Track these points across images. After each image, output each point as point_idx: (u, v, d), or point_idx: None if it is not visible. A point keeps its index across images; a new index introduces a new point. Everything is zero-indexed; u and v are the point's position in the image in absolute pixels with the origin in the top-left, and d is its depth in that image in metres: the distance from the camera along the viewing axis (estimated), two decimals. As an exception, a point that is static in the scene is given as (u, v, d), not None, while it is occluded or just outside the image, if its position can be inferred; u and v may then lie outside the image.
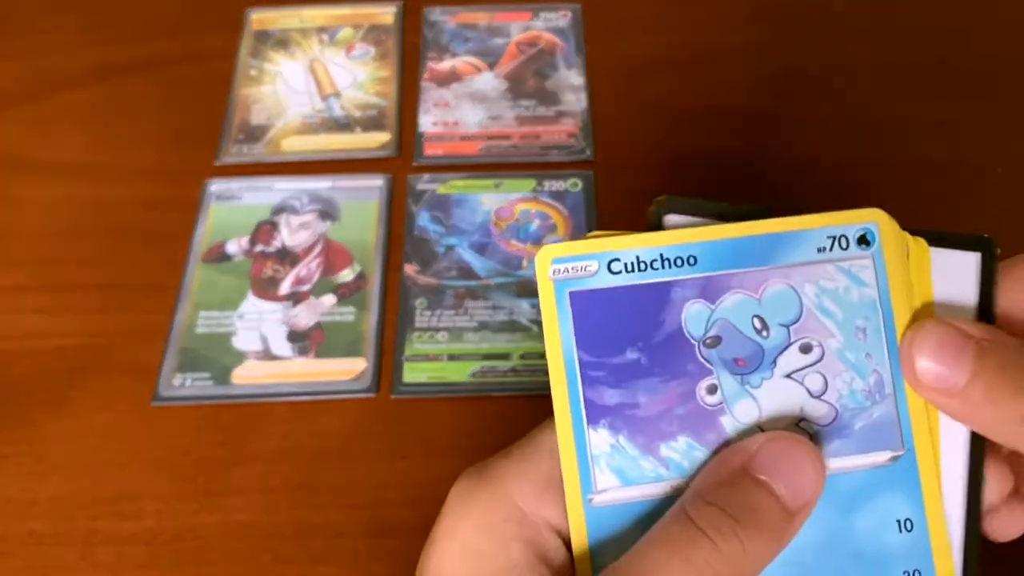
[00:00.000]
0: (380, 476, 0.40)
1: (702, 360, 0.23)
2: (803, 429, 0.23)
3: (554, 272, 0.23)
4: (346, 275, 0.46)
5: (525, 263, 0.46)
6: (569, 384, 0.23)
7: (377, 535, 0.38)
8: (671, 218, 0.24)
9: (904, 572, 0.23)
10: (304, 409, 0.42)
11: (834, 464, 0.23)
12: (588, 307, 0.23)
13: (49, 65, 0.55)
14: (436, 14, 0.57)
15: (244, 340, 0.44)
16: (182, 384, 0.42)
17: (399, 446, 0.41)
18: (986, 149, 0.50)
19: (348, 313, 0.45)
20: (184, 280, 0.46)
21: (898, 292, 0.23)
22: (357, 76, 0.55)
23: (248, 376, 0.43)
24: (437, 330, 0.44)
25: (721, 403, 0.23)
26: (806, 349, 0.23)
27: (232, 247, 0.47)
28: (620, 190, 0.49)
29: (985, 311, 0.23)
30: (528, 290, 0.45)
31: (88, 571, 0.38)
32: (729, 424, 0.23)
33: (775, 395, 0.23)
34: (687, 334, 0.23)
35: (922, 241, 0.24)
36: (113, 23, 0.57)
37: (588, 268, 0.23)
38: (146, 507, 0.39)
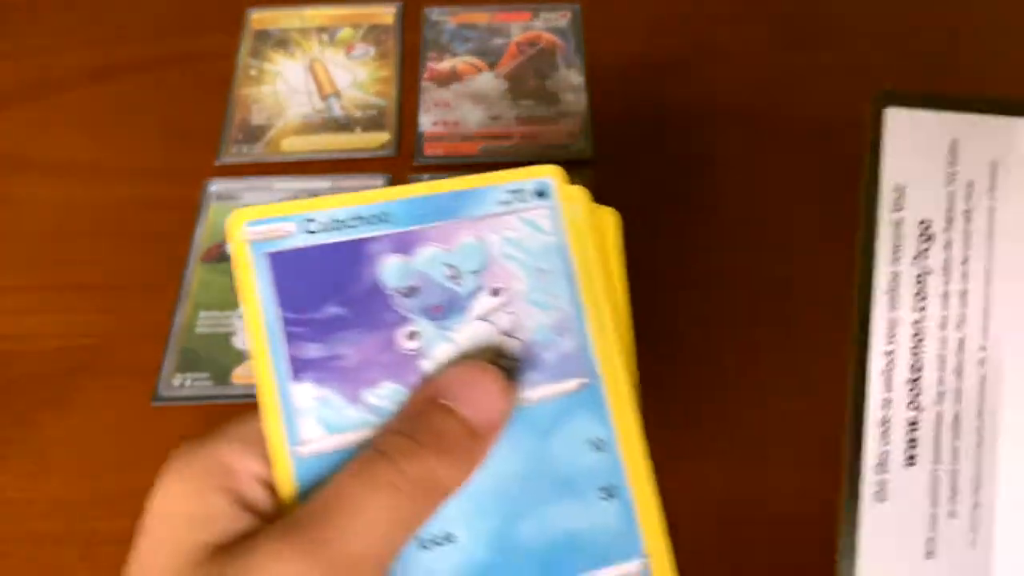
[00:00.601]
0: (380, 476, 0.40)
1: (400, 310, 0.24)
2: (500, 366, 0.24)
3: (249, 235, 0.24)
4: (346, 275, 0.46)
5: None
6: (271, 342, 0.24)
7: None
8: (892, 112, 0.24)
9: (601, 488, 0.24)
10: (304, 409, 0.42)
11: (530, 395, 0.24)
12: (286, 267, 0.24)
13: (49, 65, 0.55)
14: (436, 14, 0.57)
15: (244, 340, 0.44)
16: (182, 384, 0.42)
17: (399, 446, 0.41)
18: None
19: (348, 313, 0.45)
20: (184, 280, 0.46)
21: (574, 236, 0.26)
22: (357, 76, 0.55)
23: (248, 376, 0.43)
24: (437, 330, 0.44)
25: (420, 348, 0.24)
26: (495, 293, 0.25)
27: (232, 247, 0.47)
28: (620, 190, 0.49)
29: None
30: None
31: (88, 571, 0.38)
32: (430, 367, 0.24)
33: (470, 336, 0.25)
34: (385, 286, 0.24)
35: (614, 211, 0.26)
36: (113, 23, 0.57)
37: (285, 229, 0.24)
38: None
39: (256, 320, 0.24)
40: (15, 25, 0.57)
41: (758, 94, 0.53)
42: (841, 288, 0.47)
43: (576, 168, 0.50)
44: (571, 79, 0.54)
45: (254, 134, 0.52)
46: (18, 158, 0.51)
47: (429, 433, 0.22)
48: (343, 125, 0.52)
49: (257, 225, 0.24)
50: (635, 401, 0.25)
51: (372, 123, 0.52)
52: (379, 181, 0.49)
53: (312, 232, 0.24)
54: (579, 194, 0.26)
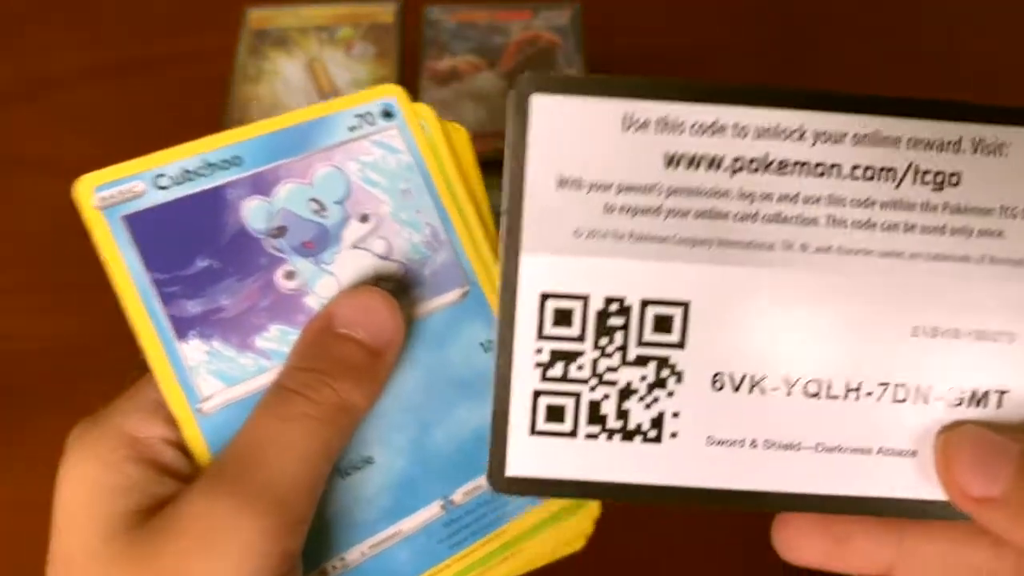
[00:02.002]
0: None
1: (273, 251, 0.24)
2: (382, 289, 0.25)
3: (100, 200, 0.24)
4: (346, 275, 0.46)
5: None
6: (147, 307, 0.23)
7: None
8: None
9: None
10: (304, 409, 0.42)
11: (418, 311, 0.25)
12: (146, 227, 0.23)
13: (48, 64, 0.55)
14: (436, 13, 0.57)
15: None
16: (182, 384, 0.42)
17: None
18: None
19: (348, 313, 0.45)
20: (184, 280, 0.46)
21: (427, 152, 0.26)
22: (356, 75, 0.54)
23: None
24: (437, 330, 0.44)
25: (301, 286, 0.24)
26: (364, 219, 0.25)
27: (232, 247, 0.47)
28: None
29: None
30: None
31: (88, 572, 0.38)
32: (314, 302, 0.24)
33: (348, 266, 0.25)
34: (252, 230, 0.24)
35: (461, 128, 0.26)
36: (112, 22, 0.57)
37: (135, 189, 0.24)
38: (146, 507, 0.39)
39: (127, 287, 0.23)
40: (15, 25, 0.57)
41: (758, 92, 0.53)
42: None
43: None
44: (571, 78, 0.53)
45: (254, 133, 0.51)
46: (18, 158, 0.51)
47: (331, 361, 0.23)
48: (343, 124, 0.52)
49: (106, 189, 0.24)
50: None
51: (372, 122, 0.52)
52: (379, 180, 0.49)
53: (164, 188, 0.24)
54: (425, 111, 0.26)
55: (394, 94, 0.26)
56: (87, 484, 0.22)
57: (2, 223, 0.48)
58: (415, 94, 0.53)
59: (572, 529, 0.26)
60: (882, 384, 0.21)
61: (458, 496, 0.25)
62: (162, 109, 0.53)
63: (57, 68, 0.55)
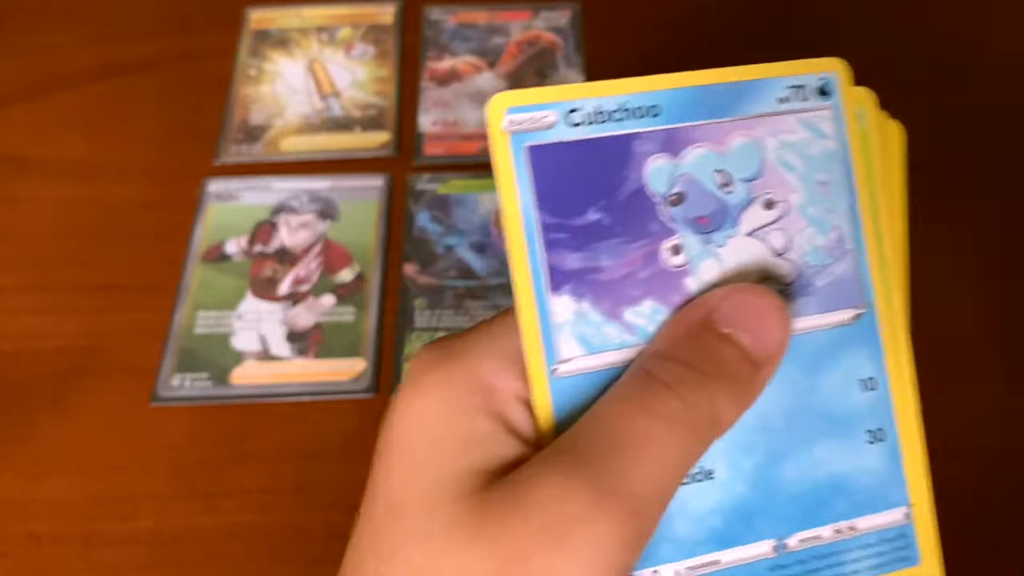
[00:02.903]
0: (379, 476, 0.40)
1: (665, 219, 0.22)
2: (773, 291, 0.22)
3: (509, 123, 0.21)
4: (345, 275, 0.46)
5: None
6: (529, 248, 0.21)
7: (376, 536, 0.38)
8: None
9: (868, 431, 0.22)
10: (303, 409, 0.42)
11: (799, 324, 0.22)
12: (547, 163, 0.21)
13: (49, 65, 0.55)
14: (436, 13, 0.57)
15: (243, 340, 0.44)
16: (181, 385, 0.42)
17: (398, 446, 0.40)
18: (976, 148, 0.50)
19: (347, 313, 0.45)
20: (183, 280, 0.46)
21: (857, 145, 0.23)
22: (357, 76, 0.54)
23: (247, 376, 0.43)
24: (437, 330, 0.44)
25: (686, 264, 0.22)
26: (769, 205, 0.22)
27: (231, 247, 0.47)
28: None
29: None
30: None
31: (87, 572, 0.38)
32: (694, 286, 0.22)
33: (738, 254, 0.22)
34: (650, 191, 0.22)
35: (900, 125, 0.23)
36: (113, 23, 0.57)
37: (546, 119, 0.21)
38: (145, 508, 0.39)
39: (516, 223, 0.21)
40: (15, 25, 0.57)
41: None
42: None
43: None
44: (571, 79, 0.54)
45: (253, 134, 0.52)
46: (18, 158, 0.51)
47: (710, 363, 0.20)
48: (342, 125, 0.52)
49: (519, 112, 0.21)
50: (908, 337, 0.23)
51: (372, 123, 0.52)
52: (379, 181, 0.49)
53: (576, 124, 0.21)
54: (865, 96, 0.23)
55: (836, 69, 0.23)
56: (436, 428, 0.20)
57: (2, 223, 0.48)
58: (414, 94, 0.53)
59: None
60: None
61: (793, 541, 0.22)
62: (162, 109, 0.53)
63: (58, 68, 0.55)
